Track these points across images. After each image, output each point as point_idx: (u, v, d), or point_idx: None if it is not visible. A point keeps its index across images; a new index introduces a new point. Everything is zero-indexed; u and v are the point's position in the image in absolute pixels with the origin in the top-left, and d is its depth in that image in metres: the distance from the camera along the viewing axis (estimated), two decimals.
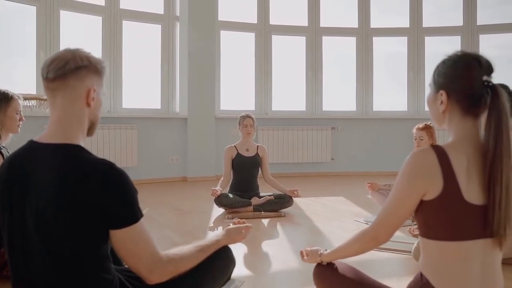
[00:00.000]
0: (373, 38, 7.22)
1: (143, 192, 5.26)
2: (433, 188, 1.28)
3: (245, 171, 4.24)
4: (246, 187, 4.22)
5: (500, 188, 1.27)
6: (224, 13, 6.75)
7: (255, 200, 4.08)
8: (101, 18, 5.98)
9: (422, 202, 1.32)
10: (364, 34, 7.19)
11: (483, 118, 1.34)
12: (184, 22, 6.40)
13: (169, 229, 3.52)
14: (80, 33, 6.05)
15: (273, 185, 4.28)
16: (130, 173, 5.14)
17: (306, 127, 6.87)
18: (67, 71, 1.32)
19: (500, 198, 1.27)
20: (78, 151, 1.33)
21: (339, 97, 7.35)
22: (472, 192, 1.28)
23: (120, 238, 1.30)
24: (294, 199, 4.28)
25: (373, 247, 1.47)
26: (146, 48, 6.54)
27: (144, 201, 4.57)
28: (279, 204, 4.08)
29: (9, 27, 5.62)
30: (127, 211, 1.29)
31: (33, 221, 1.27)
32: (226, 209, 4.05)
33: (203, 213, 4.14)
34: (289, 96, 7.23)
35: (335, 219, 3.88)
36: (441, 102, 1.37)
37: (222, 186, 4.13)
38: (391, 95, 7.46)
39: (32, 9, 5.47)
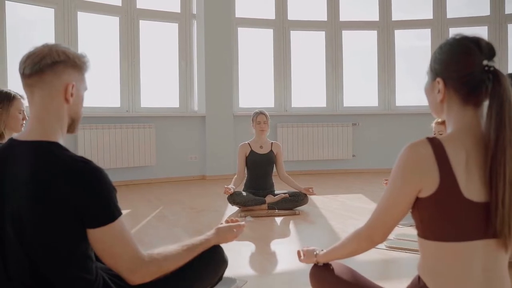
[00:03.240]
0: (395, 31, 7.02)
1: (161, 190, 5.35)
2: (428, 184, 1.17)
3: (259, 168, 4.16)
4: (260, 185, 4.14)
5: (503, 183, 1.15)
6: (241, 10, 6.69)
7: (269, 198, 4.00)
8: (118, 18, 6.02)
9: (418, 199, 1.21)
10: (386, 27, 7.00)
11: (485, 107, 1.23)
12: (201, 20, 6.37)
13: (179, 228, 3.48)
14: (97, 34, 6.11)
15: (288, 182, 4.19)
16: (149, 172, 5.16)
17: (327, 123, 6.74)
18: (43, 67, 1.29)
19: (503, 194, 1.15)
20: (54, 148, 1.29)
21: (360, 92, 7.18)
22: (472, 188, 1.16)
23: (97, 237, 1.25)
24: (311, 197, 4.19)
25: (368, 248, 1.37)
26: (163, 47, 6.54)
27: (161, 200, 4.62)
28: (293, 202, 4.00)
29: (29, 30, 5.72)
30: (104, 210, 1.25)
31: (10, 220, 1.25)
32: (240, 207, 3.99)
33: (216, 211, 4.09)
34: (309, 93, 7.11)
35: (350, 217, 3.77)
36: (438, 91, 1.27)
37: (236, 184, 4.07)
38: (415, 89, 7.24)
39: (50, 11, 5.54)
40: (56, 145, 1.30)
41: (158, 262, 1.35)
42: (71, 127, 1.40)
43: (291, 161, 6.59)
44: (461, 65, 1.21)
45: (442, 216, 1.18)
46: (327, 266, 1.54)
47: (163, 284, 1.40)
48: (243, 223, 1.70)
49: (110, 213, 1.26)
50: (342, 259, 1.52)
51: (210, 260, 1.54)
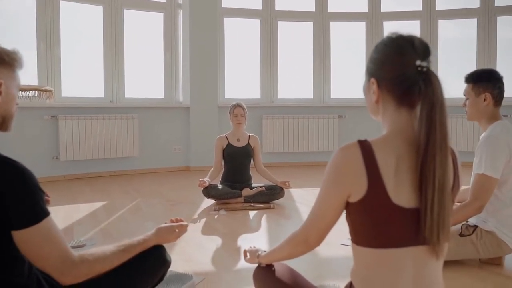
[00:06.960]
0: (384, 22, 6.94)
1: (142, 182, 5.32)
2: (357, 189, 1.14)
3: (236, 161, 4.13)
4: (237, 178, 4.11)
5: (432, 189, 1.12)
6: (227, 0, 6.59)
7: (246, 191, 3.98)
8: (101, 7, 5.93)
9: (348, 204, 1.19)
10: (374, 19, 6.92)
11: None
12: (187, 10, 6.29)
13: (152, 221, 3.45)
14: (80, 23, 6.02)
15: (264, 175, 4.16)
16: (132, 163, 5.08)
17: (313, 115, 6.69)
18: None
19: (432, 200, 1.12)
20: None
21: (348, 84, 7.13)
22: (402, 193, 1.13)
23: (22, 239, 1.23)
24: (288, 190, 4.17)
25: (304, 251, 1.34)
26: (148, 37, 6.46)
27: (139, 192, 4.59)
28: (270, 195, 3.97)
29: (10, 20, 5.63)
30: (28, 211, 1.22)
31: None
32: (215, 200, 3.96)
33: (193, 204, 4.07)
34: (296, 84, 7.05)
35: None
36: (373, 91, 1.23)
37: (212, 177, 4.04)
38: None
39: (31, 0, 5.44)
40: None
41: (89, 263, 1.33)
42: (3, 126, 1.37)
43: (276, 153, 6.56)
44: (394, 65, 1.18)
45: (372, 222, 1.15)
46: (269, 267, 1.53)
47: (98, 284, 1.38)
48: (185, 223, 1.67)
49: (35, 214, 1.23)
50: (281, 261, 1.50)
51: (149, 260, 1.51)
